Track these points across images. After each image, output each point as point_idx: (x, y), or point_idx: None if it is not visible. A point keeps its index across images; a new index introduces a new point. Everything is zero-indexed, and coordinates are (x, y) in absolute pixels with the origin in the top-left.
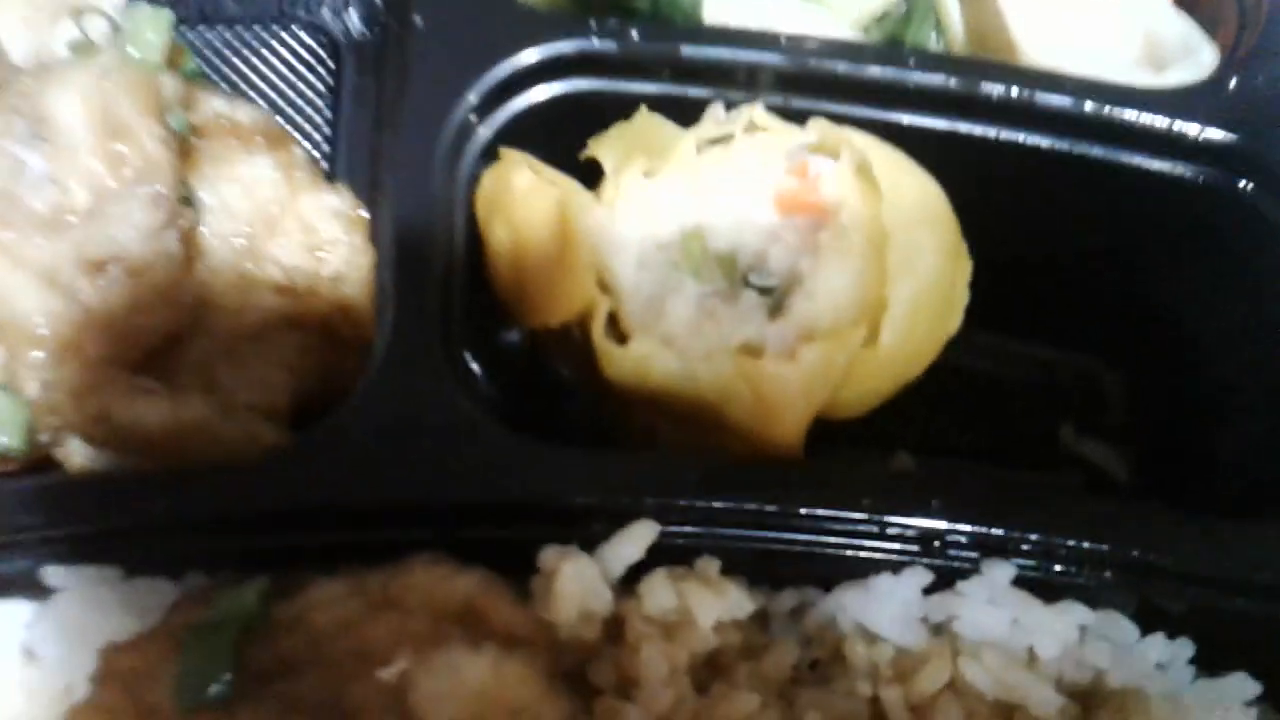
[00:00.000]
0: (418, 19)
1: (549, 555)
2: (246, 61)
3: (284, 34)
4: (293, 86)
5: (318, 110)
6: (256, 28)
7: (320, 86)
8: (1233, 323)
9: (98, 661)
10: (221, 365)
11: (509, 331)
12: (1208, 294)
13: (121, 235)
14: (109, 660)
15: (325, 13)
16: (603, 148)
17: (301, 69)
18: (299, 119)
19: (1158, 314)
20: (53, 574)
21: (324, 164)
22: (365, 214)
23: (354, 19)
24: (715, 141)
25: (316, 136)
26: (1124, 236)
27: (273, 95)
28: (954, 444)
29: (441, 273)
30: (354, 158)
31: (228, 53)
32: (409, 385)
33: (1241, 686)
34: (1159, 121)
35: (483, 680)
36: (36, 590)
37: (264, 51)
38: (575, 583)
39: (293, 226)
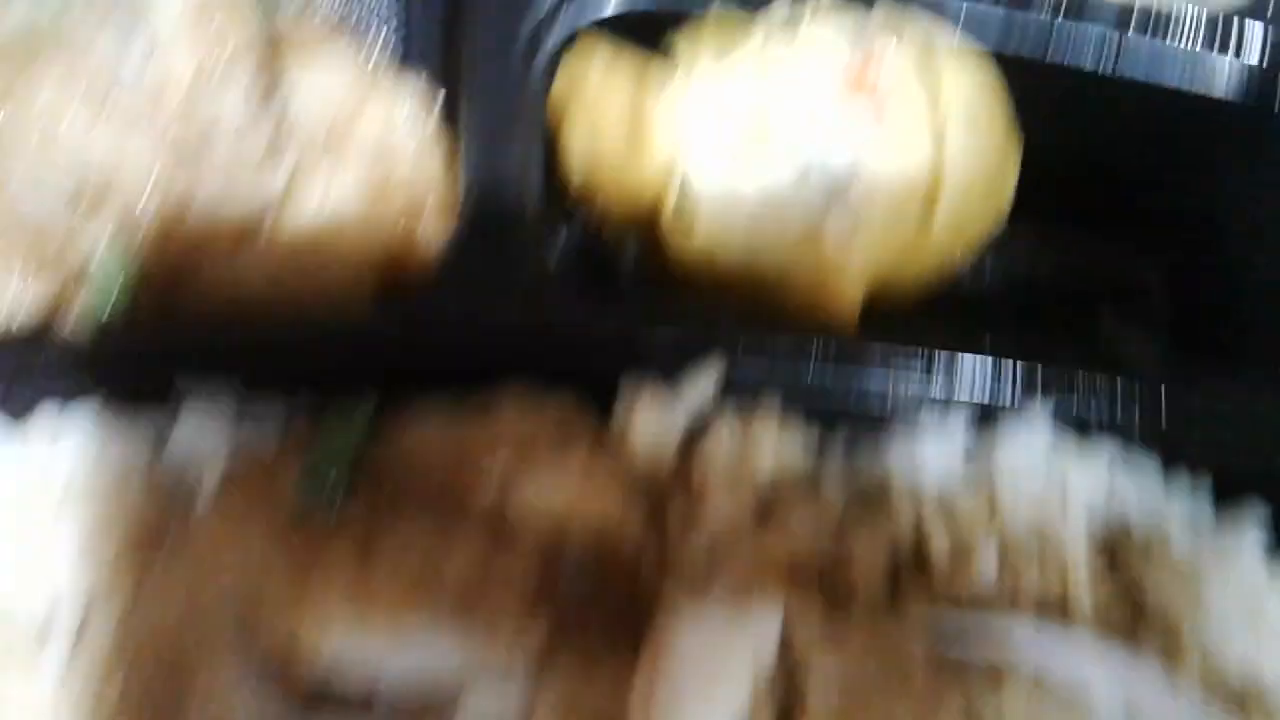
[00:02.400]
0: None
1: (629, 387)
2: None
3: None
4: None
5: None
6: None
7: None
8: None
9: (220, 469)
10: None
11: (580, 224)
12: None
13: (224, 112)
14: (229, 469)
15: None
16: (679, 41)
17: None
18: (369, 12)
19: (1202, 214)
20: (182, 384)
21: (397, 52)
22: (439, 106)
23: None
24: (784, 27)
25: (389, 25)
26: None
27: None
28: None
29: (518, 164)
30: (427, 50)
31: None
32: (492, 253)
33: (1254, 512)
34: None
35: (573, 489)
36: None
37: None
38: (651, 416)
39: (372, 119)
